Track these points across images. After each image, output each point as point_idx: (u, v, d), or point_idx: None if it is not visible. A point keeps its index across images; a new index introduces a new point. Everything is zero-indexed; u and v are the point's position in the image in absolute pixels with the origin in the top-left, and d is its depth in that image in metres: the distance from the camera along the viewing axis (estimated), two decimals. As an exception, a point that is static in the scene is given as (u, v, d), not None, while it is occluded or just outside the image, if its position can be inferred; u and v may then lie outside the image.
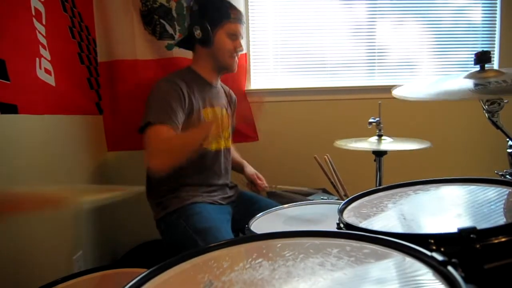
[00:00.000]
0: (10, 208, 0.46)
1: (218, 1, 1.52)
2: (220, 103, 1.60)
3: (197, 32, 1.46)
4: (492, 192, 0.88)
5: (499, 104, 1.11)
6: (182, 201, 1.44)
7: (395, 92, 1.19)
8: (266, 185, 1.64)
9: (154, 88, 1.44)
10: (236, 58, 1.56)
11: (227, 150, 1.62)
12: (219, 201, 1.53)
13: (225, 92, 1.70)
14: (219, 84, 1.64)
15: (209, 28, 1.45)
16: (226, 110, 1.65)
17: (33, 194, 0.51)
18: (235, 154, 1.81)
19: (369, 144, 1.45)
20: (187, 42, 1.58)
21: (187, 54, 1.77)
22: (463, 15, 2.43)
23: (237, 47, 1.52)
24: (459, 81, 1.10)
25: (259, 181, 1.65)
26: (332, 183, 1.53)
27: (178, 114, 1.37)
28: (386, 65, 2.40)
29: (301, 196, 1.38)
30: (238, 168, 1.78)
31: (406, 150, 1.35)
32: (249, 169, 1.74)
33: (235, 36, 1.51)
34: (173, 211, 1.43)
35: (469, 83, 1.06)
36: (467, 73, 1.10)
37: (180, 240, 1.38)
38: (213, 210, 1.45)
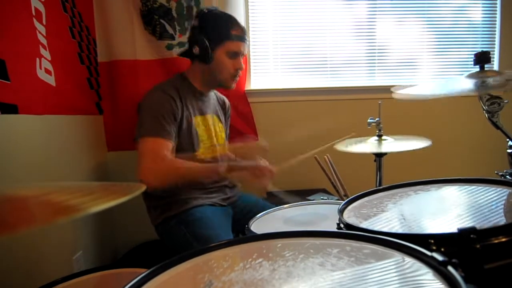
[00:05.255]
0: (19, 217, 0.46)
1: (220, 18, 1.47)
2: (211, 110, 1.58)
3: (195, 49, 1.43)
4: (492, 192, 0.88)
5: (499, 104, 1.11)
6: (181, 205, 1.42)
7: (396, 92, 1.18)
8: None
9: (146, 98, 1.42)
10: (237, 77, 1.52)
11: (224, 157, 1.59)
12: (219, 202, 1.51)
13: (218, 99, 1.68)
14: (211, 93, 1.62)
15: (209, 46, 1.42)
16: (219, 117, 1.63)
17: (42, 203, 0.51)
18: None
19: (368, 146, 1.45)
20: (188, 55, 1.54)
21: (187, 54, 1.77)
22: (463, 15, 2.43)
23: (237, 67, 1.48)
24: (460, 79, 1.11)
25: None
26: (332, 183, 1.53)
27: (172, 126, 1.37)
28: (386, 65, 2.40)
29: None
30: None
31: (407, 150, 1.35)
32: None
33: (235, 55, 1.47)
34: (172, 216, 1.42)
35: (469, 82, 1.06)
36: (468, 73, 1.10)
37: (181, 247, 1.37)
38: (214, 214, 1.43)
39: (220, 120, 1.63)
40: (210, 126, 1.55)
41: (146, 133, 1.33)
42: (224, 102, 1.71)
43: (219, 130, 1.60)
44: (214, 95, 1.66)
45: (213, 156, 1.53)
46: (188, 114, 1.45)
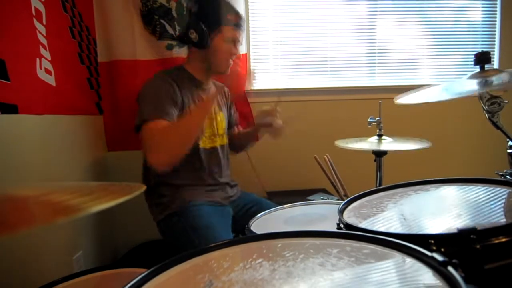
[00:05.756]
0: (19, 217, 0.46)
1: (218, 5, 1.49)
2: None
3: (194, 35, 1.44)
4: (492, 192, 0.88)
5: (499, 104, 1.11)
6: (182, 201, 1.44)
7: (399, 101, 1.18)
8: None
9: (145, 85, 1.44)
10: (231, 62, 1.53)
11: (223, 147, 1.61)
12: (220, 200, 1.53)
13: (217, 88, 1.68)
14: (210, 82, 1.63)
15: (206, 31, 1.44)
16: (219, 106, 1.64)
17: (42, 203, 0.51)
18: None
19: (369, 144, 1.45)
20: (184, 40, 1.56)
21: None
22: (463, 15, 2.43)
23: (232, 52, 1.50)
24: (462, 82, 1.11)
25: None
26: (332, 183, 1.53)
27: (172, 108, 1.37)
28: (386, 65, 2.40)
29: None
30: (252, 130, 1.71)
31: (407, 150, 1.35)
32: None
33: (232, 41, 1.49)
34: (173, 212, 1.43)
35: (472, 83, 1.06)
36: (469, 74, 1.10)
37: (179, 239, 1.39)
38: (213, 212, 1.44)
39: (220, 109, 1.64)
40: (212, 115, 1.56)
41: (147, 118, 1.32)
42: (223, 91, 1.72)
43: (220, 119, 1.61)
44: (213, 85, 1.66)
45: (212, 146, 1.53)
46: (188, 104, 1.46)
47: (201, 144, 1.51)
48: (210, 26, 1.44)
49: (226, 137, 1.65)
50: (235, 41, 1.50)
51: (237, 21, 1.49)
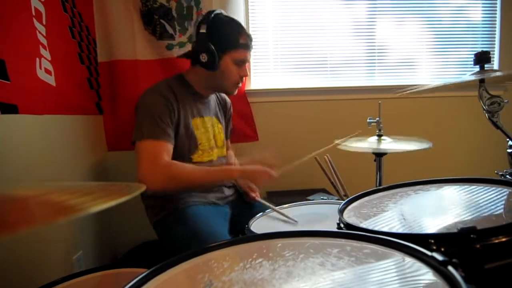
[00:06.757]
0: (19, 216, 0.46)
1: (228, 26, 1.43)
2: (210, 112, 1.57)
3: (203, 57, 1.39)
4: (492, 192, 0.88)
5: (499, 104, 1.11)
6: (177, 203, 1.42)
7: (399, 91, 1.18)
8: (258, 197, 1.57)
9: (142, 100, 1.40)
10: (240, 84, 1.51)
11: (221, 158, 1.59)
12: (215, 201, 1.50)
13: (219, 99, 1.66)
14: (210, 96, 1.59)
15: (216, 53, 1.38)
16: (218, 119, 1.61)
17: (42, 203, 0.51)
18: (232, 160, 1.74)
19: (368, 144, 1.45)
20: (191, 58, 1.51)
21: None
22: (463, 15, 2.43)
23: (242, 74, 1.47)
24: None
25: (251, 193, 1.58)
26: (332, 183, 1.53)
27: (169, 127, 1.35)
28: (386, 65, 2.40)
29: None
30: None
31: (406, 150, 1.35)
32: (243, 179, 1.63)
33: (242, 63, 1.45)
34: (168, 214, 1.42)
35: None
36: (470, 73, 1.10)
37: (178, 244, 1.36)
38: (210, 213, 1.42)
39: (219, 121, 1.61)
40: (209, 128, 1.53)
41: (143, 136, 1.31)
42: (225, 102, 1.69)
43: (218, 131, 1.59)
44: (214, 96, 1.64)
45: (209, 160, 1.52)
46: (186, 117, 1.43)
47: (197, 159, 1.46)
48: (220, 48, 1.39)
49: (225, 148, 1.63)
50: (245, 62, 1.47)
51: (247, 43, 1.45)
